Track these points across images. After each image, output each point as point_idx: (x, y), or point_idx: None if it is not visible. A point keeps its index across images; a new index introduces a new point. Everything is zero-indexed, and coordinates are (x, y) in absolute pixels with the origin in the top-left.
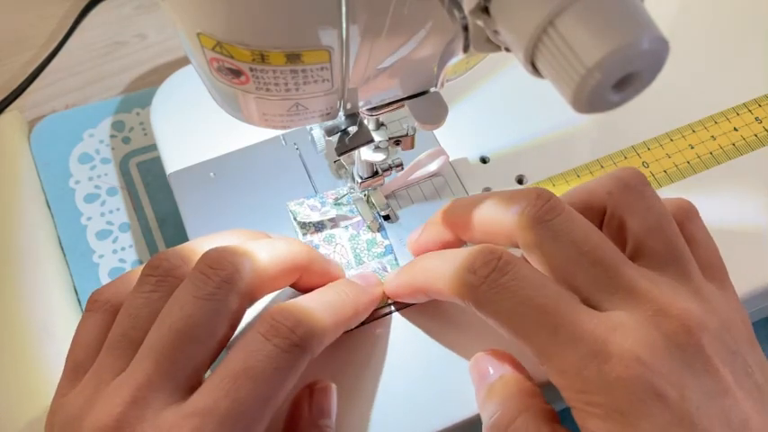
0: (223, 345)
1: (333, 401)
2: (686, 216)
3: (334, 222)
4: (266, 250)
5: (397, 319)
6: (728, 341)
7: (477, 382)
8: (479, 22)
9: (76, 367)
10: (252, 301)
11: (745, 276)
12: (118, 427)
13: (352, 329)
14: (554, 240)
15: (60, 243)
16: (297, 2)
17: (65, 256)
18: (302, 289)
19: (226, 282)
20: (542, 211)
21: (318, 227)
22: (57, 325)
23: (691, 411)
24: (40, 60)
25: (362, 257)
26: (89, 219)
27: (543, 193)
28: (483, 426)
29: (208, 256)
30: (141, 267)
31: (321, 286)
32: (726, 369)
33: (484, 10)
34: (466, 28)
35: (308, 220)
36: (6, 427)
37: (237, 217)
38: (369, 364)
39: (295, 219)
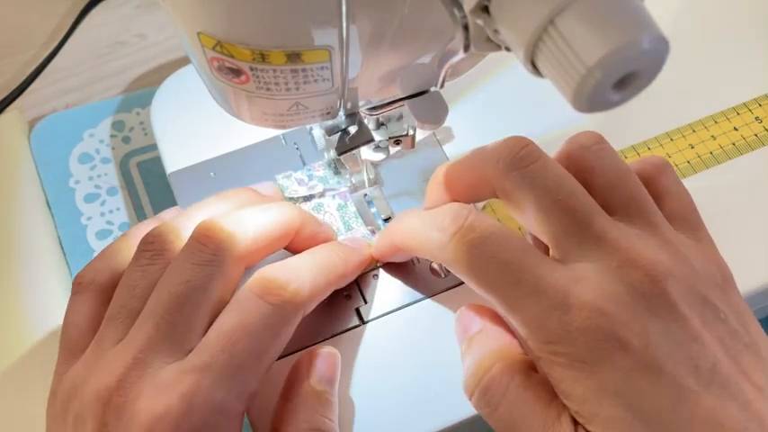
0: (220, 308)
1: (335, 369)
2: (657, 171)
3: (321, 193)
4: (260, 216)
5: (397, 318)
6: (698, 288)
7: (460, 337)
8: (479, 22)
9: (72, 347)
10: (248, 265)
11: (744, 276)
12: (120, 386)
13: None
14: (528, 187)
15: (60, 243)
16: (297, 2)
17: (65, 256)
18: (295, 250)
19: (222, 248)
20: (517, 158)
21: (307, 197)
22: (57, 325)
23: (656, 357)
24: (40, 60)
25: (351, 224)
26: (89, 219)
27: (520, 140)
28: (463, 378)
29: (204, 225)
30: (117, 243)
31: (313, 246)
32: (694, 315)
33: (484, 9)
34: (466, 27)
35: (296, 195)
36: (7, 426)
37: None
38: (369, 365)
39: (283, 193)
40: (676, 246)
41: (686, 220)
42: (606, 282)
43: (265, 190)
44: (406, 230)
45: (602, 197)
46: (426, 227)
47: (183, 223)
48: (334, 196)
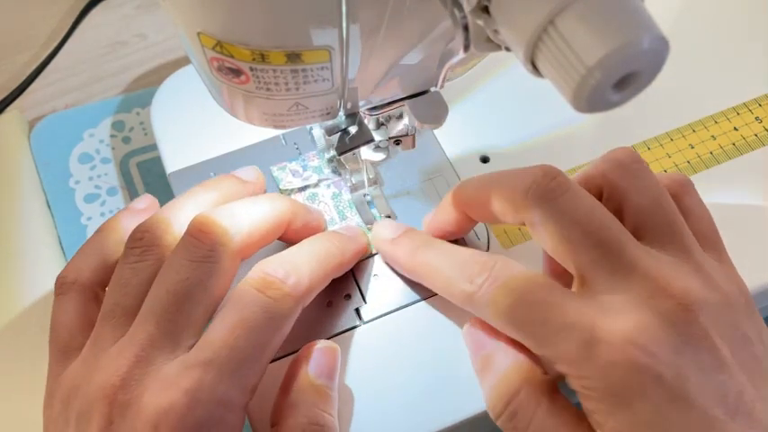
0: (218, 302)
1: (334, 363)
2: (682, 189)
3: (315, 183)
4: (253, 210)
5: (397, 319)
6: (728, 315)
7: (474, 351)
8: (479, 22)
9: (64, 348)
10: (243, 258)
11: (744, 276)
12: (124, 384)
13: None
14: (558, 219)
15: (60, 243)
16: (297, 2)
17: (65, 256)
18: (288, 240)
19: (218, 244)
20: (548, 189)
21: (301, 187)
22: None
23: (686, 388)
24: (40, 60)
25: (345, 213)
26: (89, 219)
27: (550, 170)
28: (484, 397)
29: (198, 221)
30: (93, 239)
31: (307, 236)
32: (724, 343)
33: (484, 9)
34: (466, 27)
35: (290, 187)
36: (7, 427)
37: None
38: (368, 364)
39: (278, 186)
40: (708, 271)
41: (709, 240)
42: (637, 313)
43: (247, 175)
44: (431, 270)
45: (635, 220)
46: (455, 275)
47: (171, 216)
48: (328, 185)
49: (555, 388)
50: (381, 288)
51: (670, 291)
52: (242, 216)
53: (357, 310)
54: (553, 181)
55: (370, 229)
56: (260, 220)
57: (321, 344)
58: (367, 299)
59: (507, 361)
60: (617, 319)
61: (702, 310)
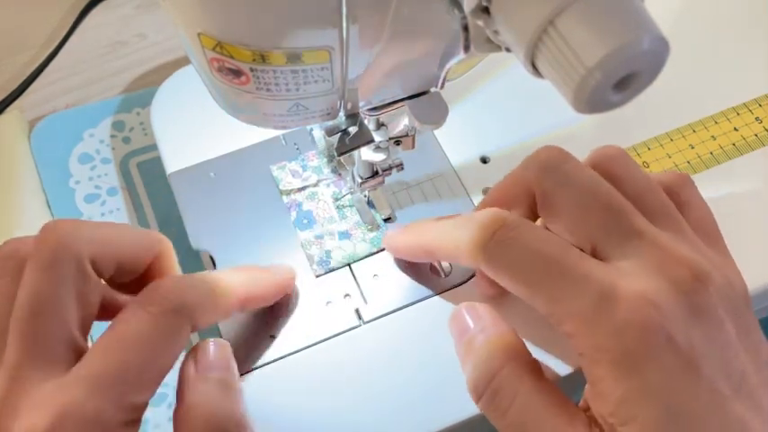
0: (88, 311)
1: (219, 355)
2: (682, 183)
3: (315, 183)
4: (114, 226)
5: (397, 319)
6: (732, 297)
7: (457, 337)
8: (480, 23)
9: None
10: (98, 264)
11: (745, 275)
12: (1, 411)
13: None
14: (567, 185)
15: None
16: (297, 2)
17: None
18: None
19: (58, 246)
20: (553, 159)
21: (301, 187)
22: None
23: (697, 357)
24: (40, 60)
25: (345, 212)
26: (89, 219)
27: (552, 147)
28: (466, 380)
29: (44, 227)
30: None
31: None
32: (729, 322)
33: (484, 10)
34: (466, 28)
35: (290, 188)
36: None
37: (237, 217)
38: (368, 365)
39: (278, 185)
40: (707, 253)
41: (708, 233)
42: (651, 277)
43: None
44: (440, 232)
45: (632, 204)
46: (462, 228)
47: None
48: (328, 184)
49: (539, 368)
50: (381, 288)
51: (681, 260)
52: (99, 228)
53: (357, 311)
54: (557, 153)
55: (370, 230)
56: (111, 227)
57: (202, 342)
58: (367, 299)
59: (491, 340)
60: (633, 280)
61: (712, 283)
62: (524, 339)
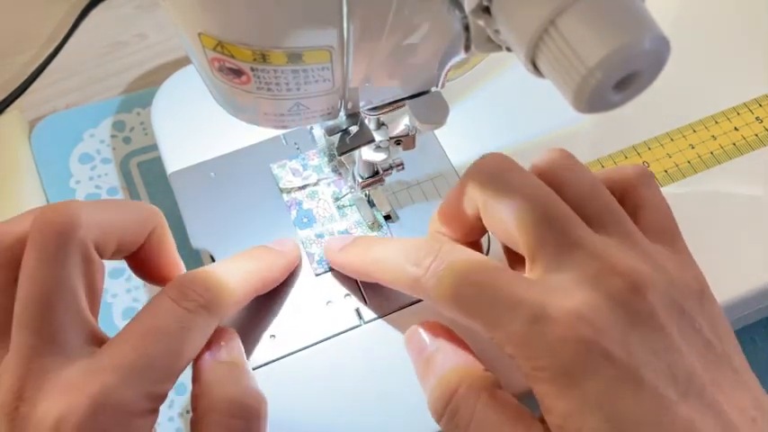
0: (94, 292)
1: (230, 339)
2: (637, 180)
3: (315, 182)
4: (112, 205)
5: (398, 319)
6: (676, 297)
7: (415, 357)
8: (480, 22)
9: None
10: (100, 246)
11: (745, 276)
12: (20, 397)
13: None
14: (507, 194)
15: None
16: (297, 2)
17: None
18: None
19: (62, 234)
20: (496, 168)
21: (301, 186)
22: None
23: (637, 366)
24: (40, 60)
25: (345, 211)
26: None
27: (495, 154)
28: (427, 401)
29: (42, 212)
30: None
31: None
32: (672, 325)
33: (485, 9)
34: (467, 28)
35: (290, 186)
36: None
37: (237, 217)
38: (368, 365)
39: (278, 184)
40: (653, 255)
41: (664, 231)
42: (584, 290)
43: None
44: (380, 263)
45: (576, 210)
46: (402, 261)
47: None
48: (329, 184)
49: (496, 384)
50: (382, 288)
51: (617, 269)
52: (86, 206)
53: (357, 311)
54: (499, 161)
55: (371, 228)
56: (111, 204)
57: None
58: (367, 299)
59: (447, 361)
60: (564, 296)
61: (649, 289)
62: (489, 351)
